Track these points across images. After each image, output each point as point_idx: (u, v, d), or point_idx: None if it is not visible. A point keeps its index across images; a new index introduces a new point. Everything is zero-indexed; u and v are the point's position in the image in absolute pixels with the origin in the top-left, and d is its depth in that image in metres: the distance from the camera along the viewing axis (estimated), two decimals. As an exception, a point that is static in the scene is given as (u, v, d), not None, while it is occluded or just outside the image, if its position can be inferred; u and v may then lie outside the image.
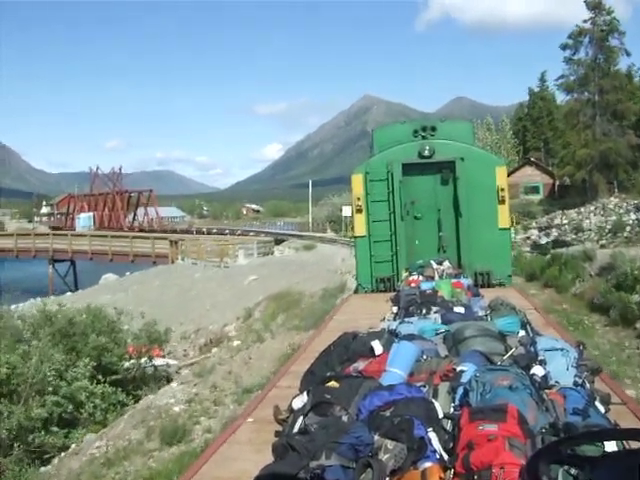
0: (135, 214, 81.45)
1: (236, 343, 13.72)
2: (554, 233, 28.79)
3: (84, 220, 79.96)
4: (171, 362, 15.77)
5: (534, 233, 30.51)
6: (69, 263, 49.75)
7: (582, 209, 32.77)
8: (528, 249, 25.62)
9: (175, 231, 71.81)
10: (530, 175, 48.85)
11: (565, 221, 31.26)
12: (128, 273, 35.87)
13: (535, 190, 48.09)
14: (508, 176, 46.25)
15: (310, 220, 62.99)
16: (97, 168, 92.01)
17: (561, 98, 46.85)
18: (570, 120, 41.14)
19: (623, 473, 1.36)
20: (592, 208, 31.99)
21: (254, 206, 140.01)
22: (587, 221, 28.96)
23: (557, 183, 47.73)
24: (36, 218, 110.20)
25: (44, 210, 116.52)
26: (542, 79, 59.74)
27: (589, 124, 39.36)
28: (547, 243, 24.78)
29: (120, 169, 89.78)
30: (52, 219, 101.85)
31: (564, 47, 39.62)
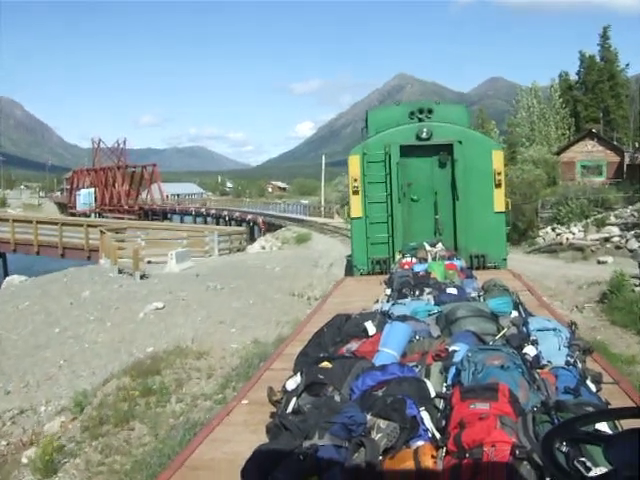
0: (139, 191, 76.29)
1: None
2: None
3: (84, 197, 74.94)
4: None
5: (614, 232, 20.72)
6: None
7: (686, 199, 22.94)
8: (619, 264, 14.53)
9: (174, 211, 69.64)
10: (590, 151, 37.21)
11: (660, 216, 21.32)
12: (24, 278, 23.80)
13: (597, 170, 36.96)
14: (562, 152, 37.55)
15: (322, 202, 55.41)
16: (99, 141, 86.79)
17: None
18: None
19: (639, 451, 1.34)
20: (703, 199, 22.51)
21: (280, 184, 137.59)
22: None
23: (627, 162, 36.43)
24: (42, 194, 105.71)
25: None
26: (604, 36, 47.86)
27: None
28: None
29: (124, 142, 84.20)
30: (62, 195, 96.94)
31: None
